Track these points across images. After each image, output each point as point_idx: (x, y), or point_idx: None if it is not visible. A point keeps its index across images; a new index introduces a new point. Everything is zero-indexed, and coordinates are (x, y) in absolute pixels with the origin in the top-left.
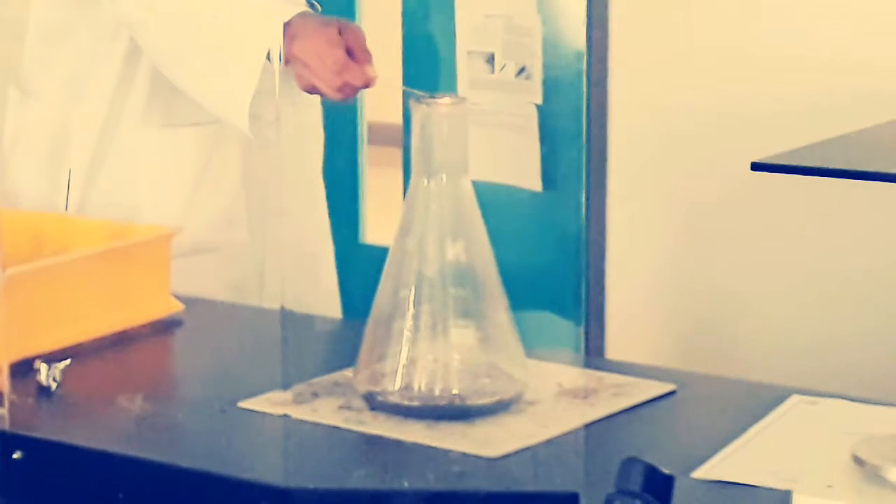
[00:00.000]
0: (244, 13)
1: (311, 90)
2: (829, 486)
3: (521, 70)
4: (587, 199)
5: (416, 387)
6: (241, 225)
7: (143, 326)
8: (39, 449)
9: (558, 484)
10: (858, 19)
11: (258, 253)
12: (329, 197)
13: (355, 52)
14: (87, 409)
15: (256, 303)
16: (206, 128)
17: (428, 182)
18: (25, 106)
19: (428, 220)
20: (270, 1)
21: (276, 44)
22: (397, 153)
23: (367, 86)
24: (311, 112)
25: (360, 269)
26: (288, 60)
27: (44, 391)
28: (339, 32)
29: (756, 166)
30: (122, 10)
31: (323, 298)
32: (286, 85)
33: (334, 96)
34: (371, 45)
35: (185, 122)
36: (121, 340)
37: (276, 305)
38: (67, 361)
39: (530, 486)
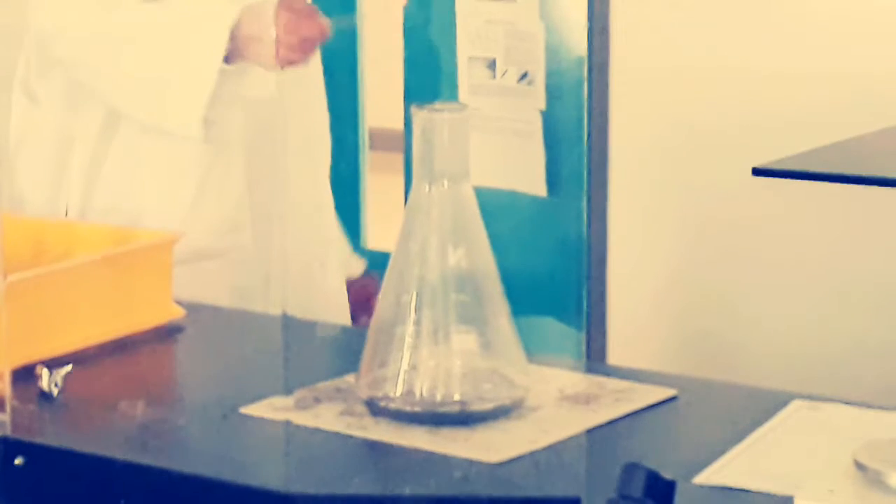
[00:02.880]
0: (188, 25)
1: (281, 65)
2: (831, 492)
3: (524, 76)
4: (588, 204)
5: (417, 392)
6: (245, 231)
7: (145, 332)
8: (41, 455)
9: (560, 489)
10: (858, 28)
11: (263, 259)
12: None
13: (300, 11)
14: (88, 415)
15: (261, 309)
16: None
17: (429, 188)
18: (30, 110)
19: (429, 226)
20: (214, 6)
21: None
22: (399, 159)
23: (324, 35)
24: (317, 117)
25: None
26: (241, 55)
27: (45, 397)
28: (285, 5)
29: (757, 171)
30: (59, 55)
31: (331, 305)
32: (292, 90)
33: (299, 58)
34: (372, 51)
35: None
36: (122, 346)
37: (280, 311)
38: (69, 367)
39: (532, 492)
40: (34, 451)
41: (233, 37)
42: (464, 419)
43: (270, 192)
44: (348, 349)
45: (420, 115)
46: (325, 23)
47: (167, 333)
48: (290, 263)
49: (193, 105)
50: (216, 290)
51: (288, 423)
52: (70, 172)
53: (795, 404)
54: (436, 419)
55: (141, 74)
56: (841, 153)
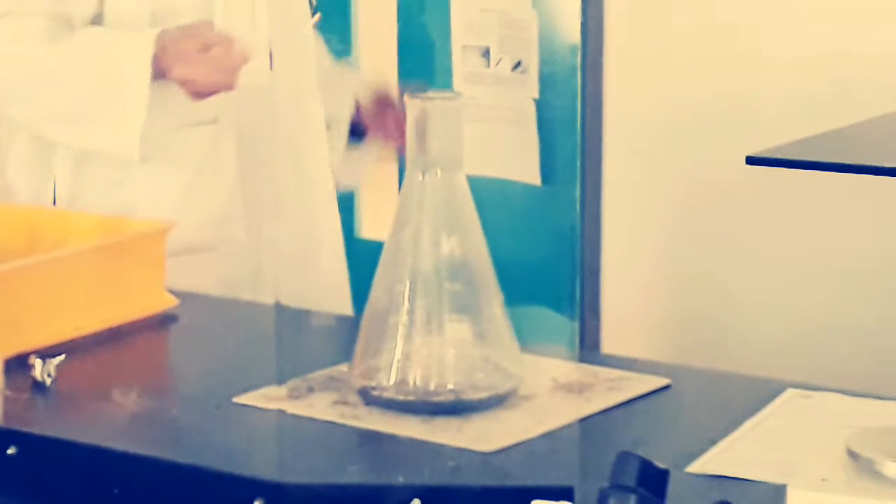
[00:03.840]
0: (109, 55)
1: (204, 95)
2: (824, 480)
3: (517, 64)
4: (582, 193)
5: (411, 382)
6: (238, 223)
7: (138, 322)
8: (34, 444)
9: (553, 478)
10: (853, 13)
11: (255, 251)
12: None
13: (216, 44)
14: (81, 405)
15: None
16: (200, 128)
17: (423, 177)
18: None
19: (423, 215)
20: (129, 35)
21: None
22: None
23: (245, 60)
24: (313, 107)
25: (355, 263)
26: (165, 75)
27: (38, 386)
28: (194, 36)
29: (751, 160)
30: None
31: (332, 294)
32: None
33: (217, 88)
34: (367, 39)
35: (181, 122)
36: (115, 336)
37: (273, 301)
38: (62, 357)
39: (525, 481)
40: (27, 441)
41: (154, 69)
42: (457, 408)
43: (263, 183)
44: (341, 338)
45: (414, 104)
46: (241, 47)
47: (160, 323)
48: (283, 253)
49: (128, 131)
50: (207, 283)
51: (281, 412)
52: (59, 164)
53: (789, 393)
54: (429, 408)
55: (72, 107)
56: (834, 142)
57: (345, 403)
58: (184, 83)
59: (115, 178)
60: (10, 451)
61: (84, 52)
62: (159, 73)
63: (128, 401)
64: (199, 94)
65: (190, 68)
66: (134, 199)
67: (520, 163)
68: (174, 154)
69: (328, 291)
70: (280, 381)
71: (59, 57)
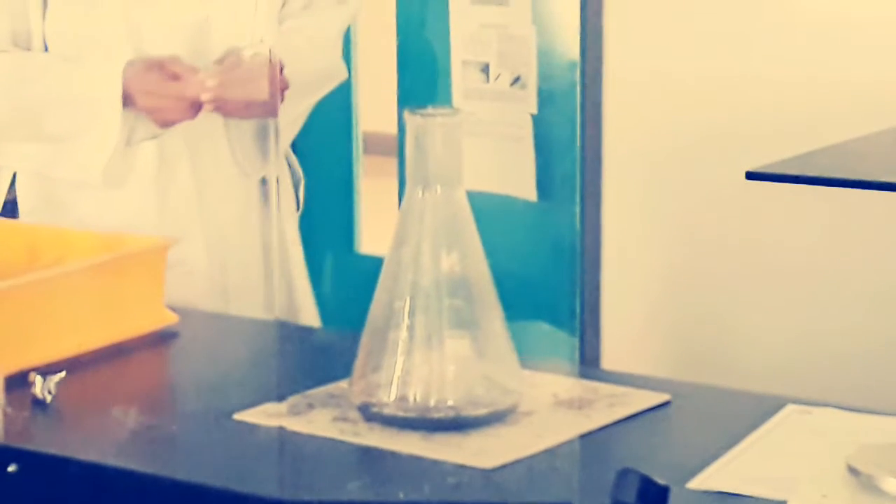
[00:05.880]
0: (80, 85)
1: (170, 123)
2: (824, 496)
3: (516, 80)
4: (582, 208)
5: (411, 398)
6: (197, 241)
7: (138, 338)
8: (34, 461)
9: (553, 495)
10: (846, 35)
11: (215, 268)
12: (324, 207)
13: (182, 75)
14: (82, 422)
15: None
16: (143, 145)
17: (423, 193)
18: None
19: (423, 231)
20: (98, 65)
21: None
22: (393, 163)
23: (210, 91)
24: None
25: (355, 279)
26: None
27: (39, 403)
28: (161, 67)
29: (750, 175)
30: None
31: (299, 307)
32: None
33: (179, 118)
34: (366, 55)
35: (125, 141)
36: (116, 353)
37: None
38: (62, 374)
39: (525, 498)
40: (27, 458)
41: (123, 97)
42: (457, 425)
43: (221, 200)
44: (342, 355)
45: (413, 121)
46: (205, 78)
47: (160, 340)
48: (276, 267)
49: (98, 157)
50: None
51: (281, 429)
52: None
53: (789, 409)
54: (429, 425)
55: (43, 136)
56: (833, 157)
57: (345, 420)
58: (150, 112)
59: (64, 197)
60: (11, 468)
61: (54, 83)
62: (125, 102)
63: (128, 418)
64: (165, 122)
65: (155, 98)
66: (86, 218)
67: (516, 178)
68: (122, 173)
69: (296, 304)
70: (280, 397)
71: (31, 89)
